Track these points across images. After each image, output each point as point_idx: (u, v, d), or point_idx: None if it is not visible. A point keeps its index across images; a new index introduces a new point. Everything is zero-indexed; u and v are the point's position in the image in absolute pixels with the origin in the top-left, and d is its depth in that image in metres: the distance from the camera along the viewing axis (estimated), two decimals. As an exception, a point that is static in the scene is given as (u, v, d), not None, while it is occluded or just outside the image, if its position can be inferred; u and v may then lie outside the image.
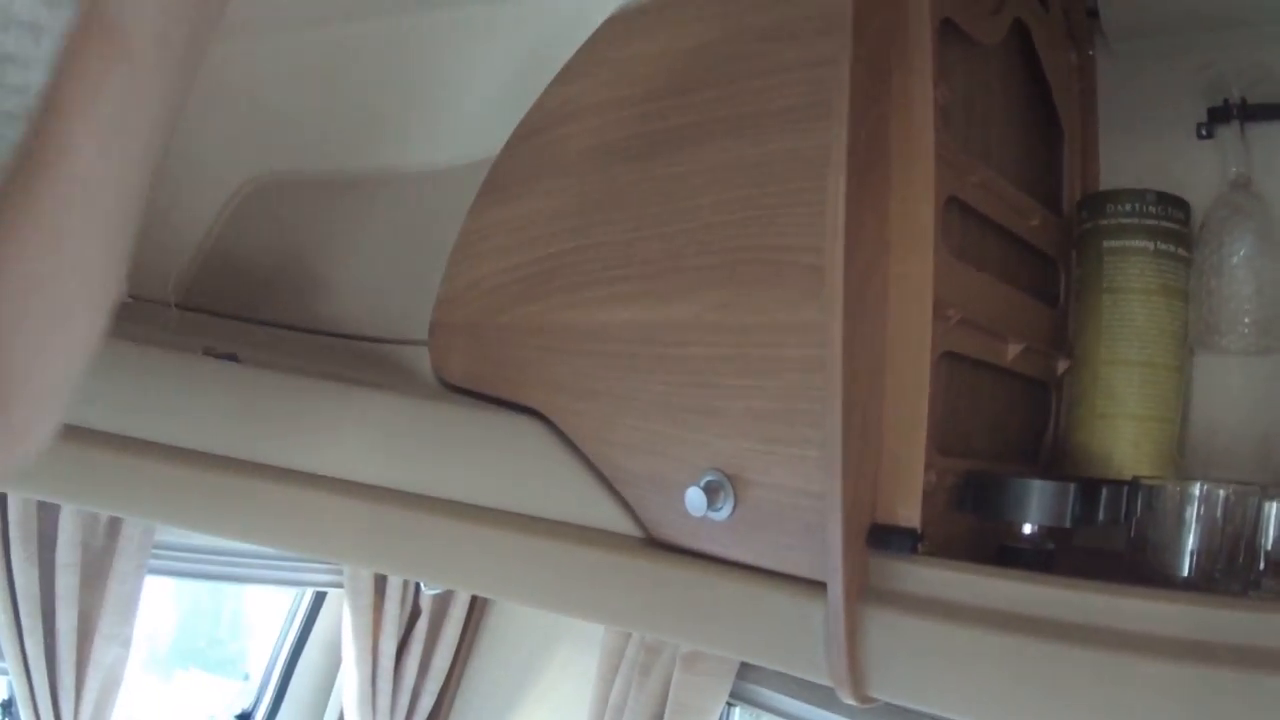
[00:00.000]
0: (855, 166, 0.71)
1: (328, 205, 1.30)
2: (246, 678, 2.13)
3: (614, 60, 0.96)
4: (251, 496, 1.05)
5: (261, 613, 2.33)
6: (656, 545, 0.87)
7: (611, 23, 0.97)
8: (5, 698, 1.68)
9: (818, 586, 0.76)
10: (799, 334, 0.75)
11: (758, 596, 0.80)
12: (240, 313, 1.34)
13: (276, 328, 1.33)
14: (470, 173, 1.17)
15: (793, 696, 1.30)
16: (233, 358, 1.17)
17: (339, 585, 1.86)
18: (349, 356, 1.29)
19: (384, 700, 1.84)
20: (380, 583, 1.78)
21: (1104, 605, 0.65)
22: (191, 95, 1.14)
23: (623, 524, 0.89)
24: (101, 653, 1.58)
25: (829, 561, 0.73)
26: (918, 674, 0.75)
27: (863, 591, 0.74)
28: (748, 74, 0.81)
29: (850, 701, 0.80)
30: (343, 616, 1.84)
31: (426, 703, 1.89)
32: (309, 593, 1.98)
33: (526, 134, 1.03)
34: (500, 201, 1.06)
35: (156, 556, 1.67)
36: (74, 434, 1.06)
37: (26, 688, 1.55)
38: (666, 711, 1.33)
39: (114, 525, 1.58)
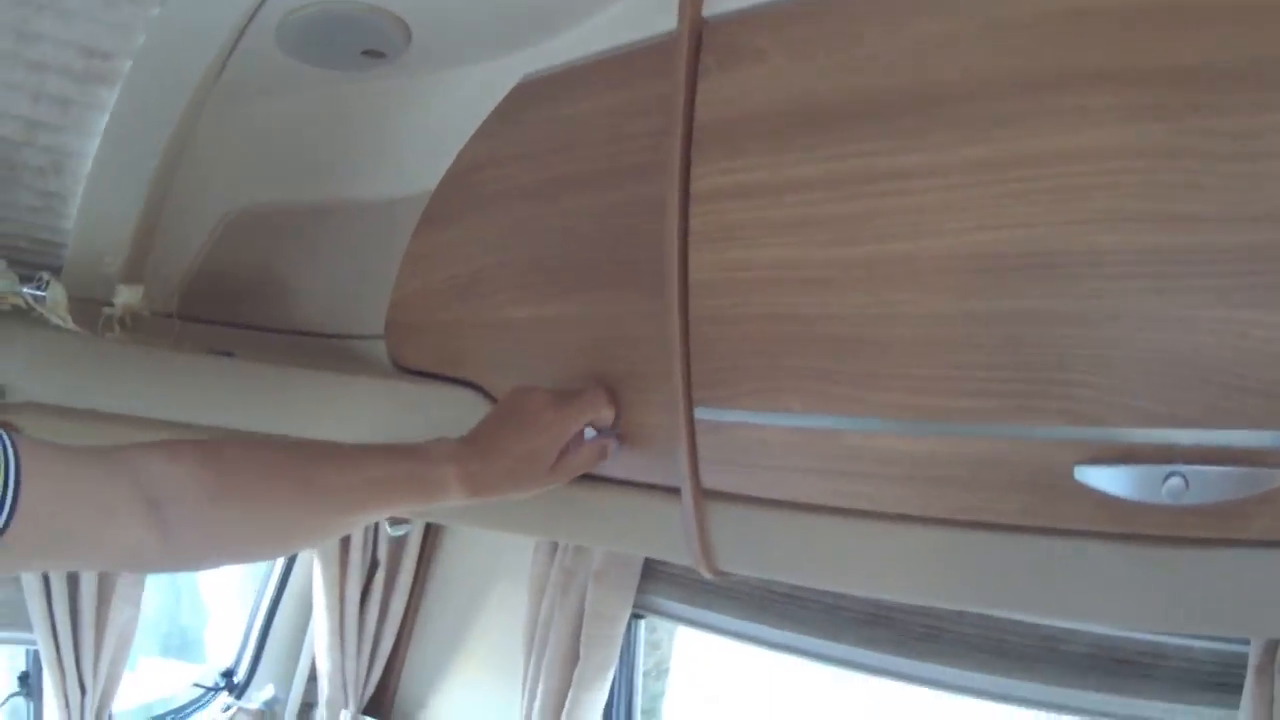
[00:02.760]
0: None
1: (296, 229, 1.58)
2: (205, 661, 2.34)
3: (518, 121, 1.30)
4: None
5: (219, 598, 2.55)
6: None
7: (518, 90, 1.30)
8: (22, 670, 1.89)
9: (673, 492, 1.11)
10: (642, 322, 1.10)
11: (635, 503, 1.17)
12: (230, 319, 1.63)
13: (260, 330, 1.64)
14: (408, 204, 1.49)
15: (681, 602, 1.65)
16: (229, 354, 1.48)
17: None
18: (317, 350, 1.62)
19: (350, 644, 2.11)
20: (345, 538, 2.07)
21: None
22: (185, 145, 1.33)
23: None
24: (117, 612, 1.81)
25: (679, 472, 1.09)
26: (751, 551, 1.10)
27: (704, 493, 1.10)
28: (605, 140, 1.16)
29: (708, 575, 1.16)
30: (313, 571, 2.12)
31: (387, 644, 2.16)
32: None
33: (453, 179, 1.37)
34: (436, 229, 1.39)
35: None
36: (106, 418, 1.37)
37: (53, 649, 1.74)
38: (584, 621, 1.67)
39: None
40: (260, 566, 2.27)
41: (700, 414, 1.08)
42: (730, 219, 1.03)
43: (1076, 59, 0.81)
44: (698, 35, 1.06)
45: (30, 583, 1.68)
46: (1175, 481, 0.77)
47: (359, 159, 1.51)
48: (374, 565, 2.14)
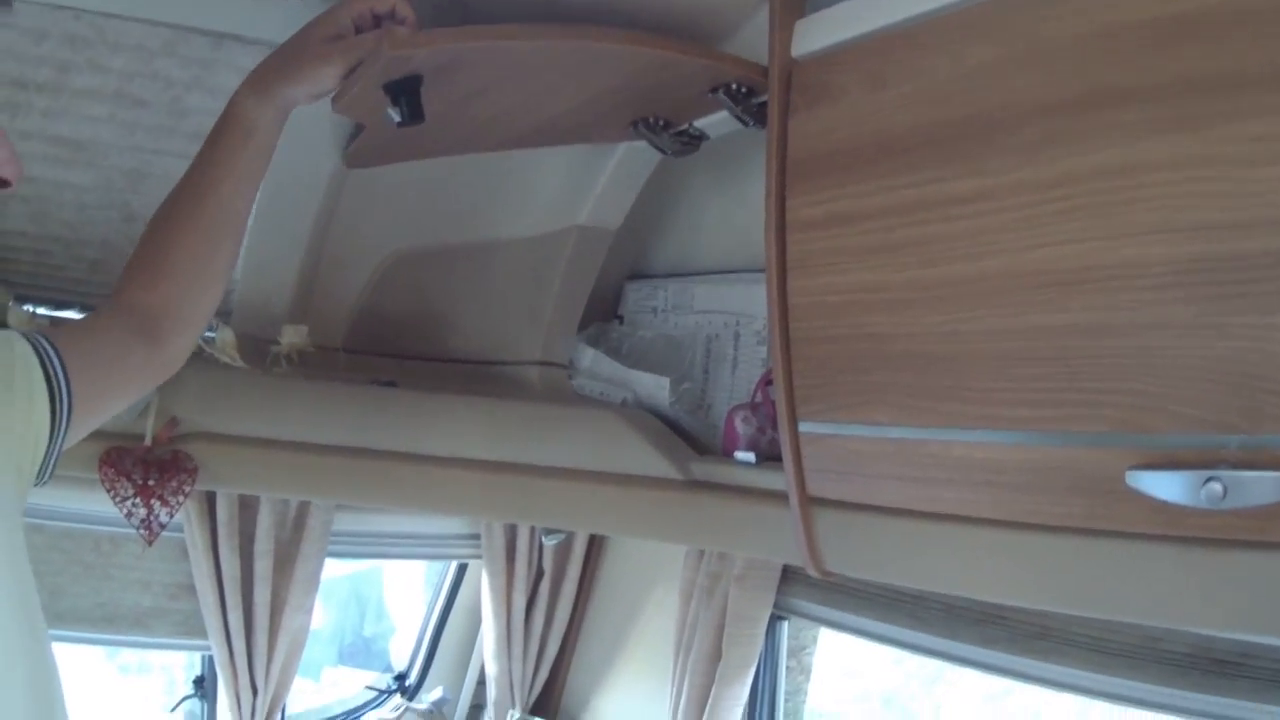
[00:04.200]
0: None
1: (450, 267, 1.74)
2: (388, 669, 2.45)
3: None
4: (412, 477, 1.54)
5: (402, 609, 2.67)
6: (693, 484, 1.36)
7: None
8: (198, 674, 2.04)
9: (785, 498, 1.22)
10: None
11: (752, 510, 1.28)
12: (392, 351, 1.79)
13: (420, 359, 1.80)
14: (547, 240, 1.65)
15: (818, 604, 1.73)
16: (392, 384, 1.66)
17: (478, 557, 2.22)
18: (473, 377, 1.77)
19: (518, 648, 2.24)
20: (510, 550, 2.15)
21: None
22: (340, 195, 1.49)
23: (670, 471, 1.38)
24: (290, 620, 1.92)
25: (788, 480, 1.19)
26: (854, 553, 1.19)
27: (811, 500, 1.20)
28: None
29: (816, 575, 1.26)
30: (481, 582, 2.24)
31: (553, 648, 2.29)
32: (454, 565, 2.35)
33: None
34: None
35: (334, 542, 1.98)
36: (274, 445, 1.54)
37: (227, 653, 1.87)
38: (726, 621, 1.77)
39: (300, 519, 1.90)
40: (434, 577, 2.44)
41: (803, 427, 1.18)
42: (820, 246, 1.13)
43: (1109, 76, 0.87)
44: (787, 75, 1.17)
45: (206, 595, 1.84)
46: (1213, 486, 0.82)
47: (503, 201, 1.65)
48: (539, 574, 2.26)
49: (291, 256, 1.59)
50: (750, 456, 1.30)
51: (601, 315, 1.83)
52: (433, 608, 2.42)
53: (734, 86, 1.23)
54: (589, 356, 1.70)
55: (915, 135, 1.03)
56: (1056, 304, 0.92)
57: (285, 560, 1.91)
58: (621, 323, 1.81)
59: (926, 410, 1.04)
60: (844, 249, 1.10)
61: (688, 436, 1.52)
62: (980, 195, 0.97)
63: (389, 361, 1.77)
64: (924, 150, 1.02)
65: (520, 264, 1.71)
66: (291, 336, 1.61)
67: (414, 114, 1.09)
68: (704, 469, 1.38)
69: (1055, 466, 0.95)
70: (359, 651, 2.75)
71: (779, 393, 1.19)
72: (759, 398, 1.43)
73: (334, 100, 1.11)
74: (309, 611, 1.98)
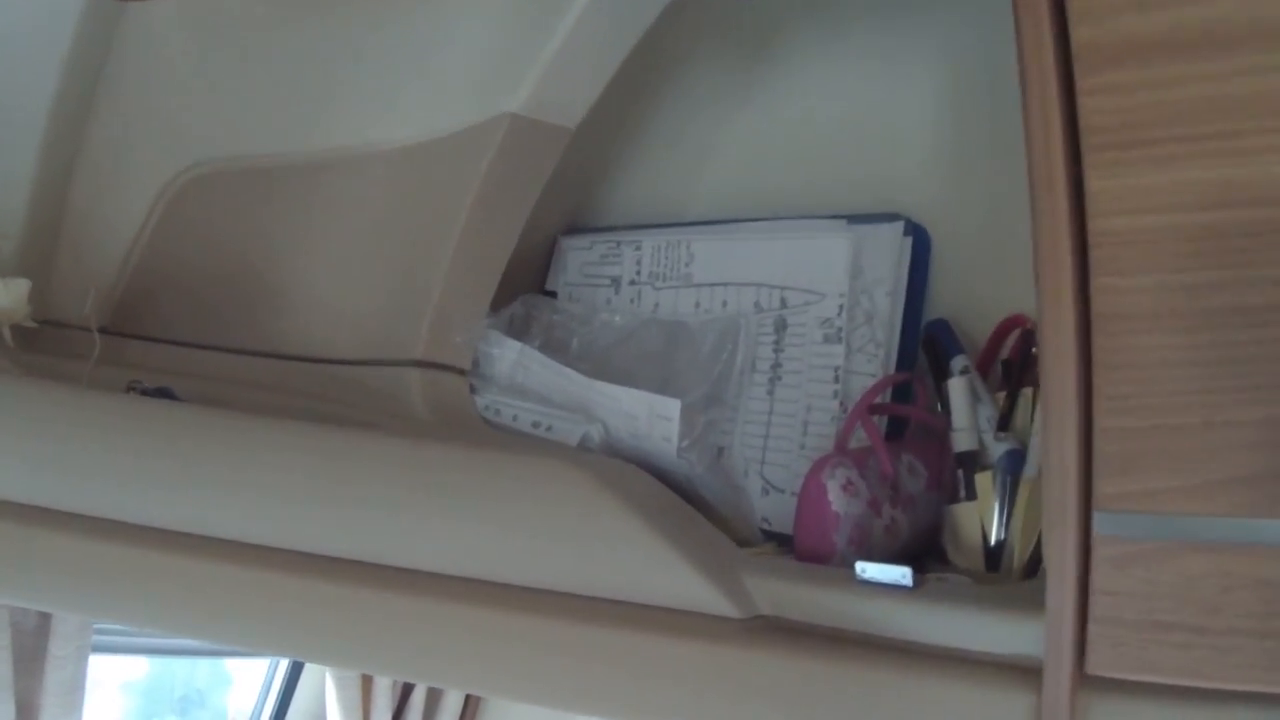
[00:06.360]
0: None
1: (278, 199, 1.10)
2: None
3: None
4: (196, 579, 0.86)
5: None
6: (760, 628, 0.65)
7: None
8: None
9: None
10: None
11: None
12: (176, 336, 1.15)
13: (221, 352, 1.13)
14: (450, 146, 0.97)
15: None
16: (166, 393, 1.01)
17: (320, 658, 1.67)
18: (314, 383, 1.08)
19: None
20: None
21: None
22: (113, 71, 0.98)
23: (709, 599, 0.66)
24: None
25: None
26: None
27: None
28: None
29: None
30: (326, 691, 1.64)
31: None
32: (284, 662, 1.79)
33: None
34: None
35: (103, 633, 1.50)
36: None
37: None
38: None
39: (44, 609, 1.43)
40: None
41: (1102, 523, 0.54)
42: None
43: None
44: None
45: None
46: None
47: (377, 79, 1.03)
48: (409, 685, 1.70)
49: (16, 164, 1.12)
50: (904, 575, 0.60)
51: (522, 290, 1.13)
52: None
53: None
54: (511, 354, 0.97)
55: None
56: None
57: (30, 660, 1.40)
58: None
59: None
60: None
61: (703, 507, 0.82)
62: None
63: (171, 352, 1.14)
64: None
65: (397, 193, 1.03)
66: (2, 299, 1.04)
67: None
68: (779, 591, 0.67)
69: None
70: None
71: (1053, 446, 0.53)
72: (861, 437, 0.77)
73: None
74: (76, 729, 1.49)
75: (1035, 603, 0.56)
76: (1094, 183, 0.51)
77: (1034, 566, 0.69)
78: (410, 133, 1.00)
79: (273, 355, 1.11)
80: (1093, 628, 0.53)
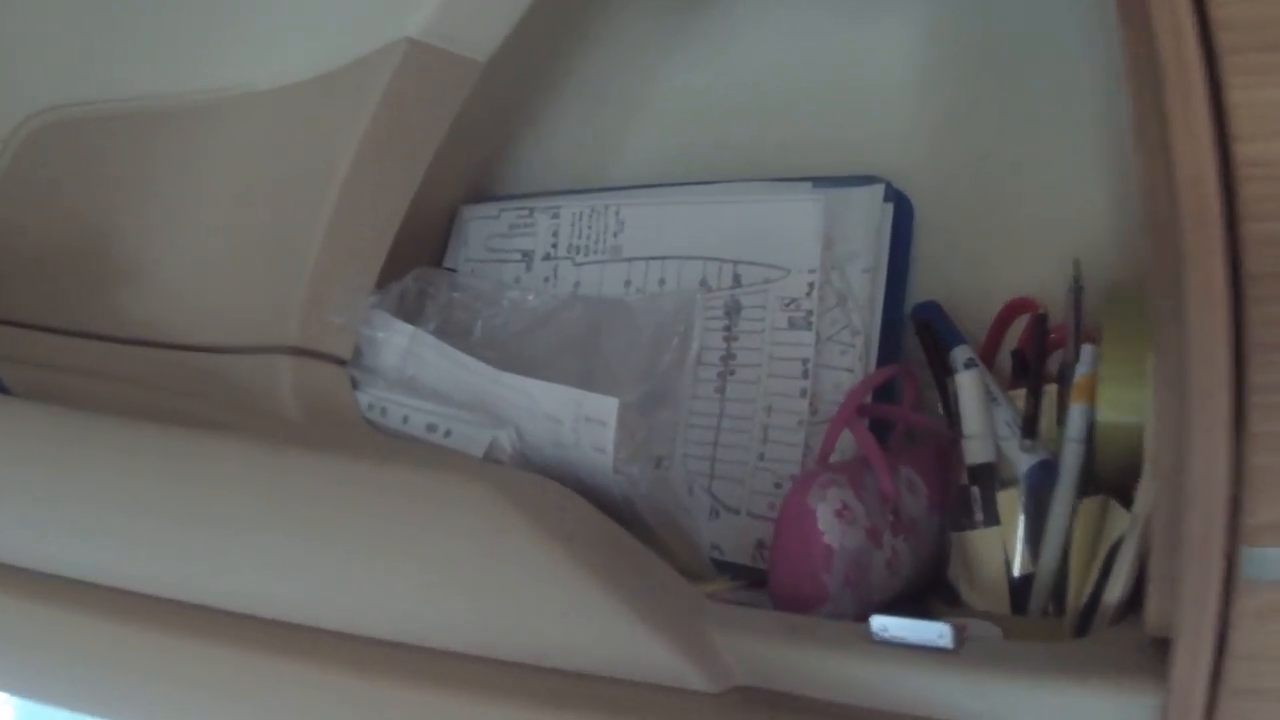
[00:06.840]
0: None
1: (138, 152, 0.93)
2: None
3: None
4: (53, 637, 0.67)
5: None
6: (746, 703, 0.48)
7: None
8: None
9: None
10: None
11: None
12: (9, 315, 0.99)
13: (65, 335, 0.97)
14: (329, 84, 0.80)
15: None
16: None
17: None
18: (165, 374, 0.91)
19: None
20: None
21: None
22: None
23: (671, 669, 0.49)
24: None
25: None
26: None
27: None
28: None
29: None
30: None
31: None
32: None
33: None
34: None
35: None
36: None
37: None
38: None
39: None
40: None
41: (1254, 567, 0.36)
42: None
43: None
44: None
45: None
46: None
47: (251, 16, 0.85)
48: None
49: None
50: (942, 634, 0.44)
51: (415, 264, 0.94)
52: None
53: None
54: (400, 340, 0.79)
55: None
56: None
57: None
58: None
59: None
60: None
61: (644, 534, 0.65)
62: None
63: (3, 334, 0.99)
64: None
65: (273, 143, 0.85)
66: None
67: None
68: (762, 654, 0.50)
69: None
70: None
71: (1197, 457, 0.37)
72: (857, 450, 0.61)
73: None
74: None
75: (1119, 665, 0.41)
76: (1235, 93, 0.36)
77: (1090, 609, 0.53)
78: (292, 69, 0.82)
79: (118, 340, 0.94)
80: (1225, 702, 0.38)
